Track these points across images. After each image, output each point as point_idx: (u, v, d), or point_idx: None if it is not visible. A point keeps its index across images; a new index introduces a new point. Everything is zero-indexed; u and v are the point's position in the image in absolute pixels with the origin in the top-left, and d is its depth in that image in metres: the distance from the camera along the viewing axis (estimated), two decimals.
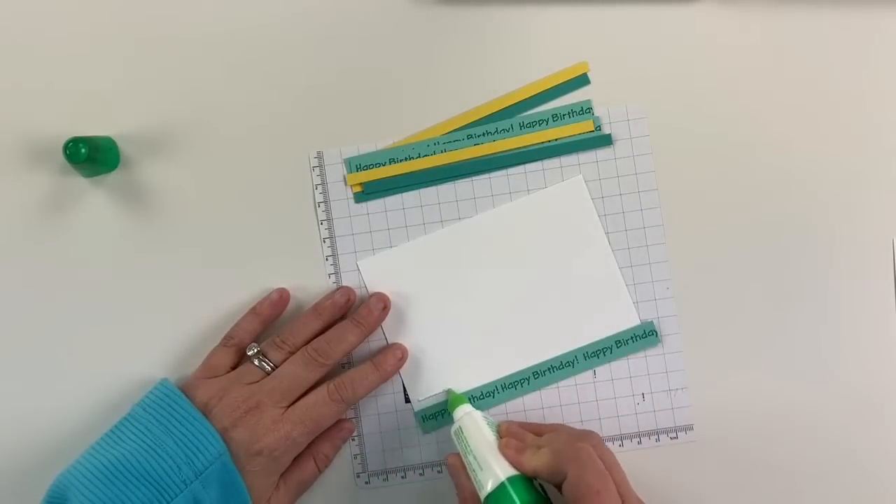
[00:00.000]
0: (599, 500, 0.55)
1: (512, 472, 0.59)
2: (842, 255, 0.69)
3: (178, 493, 0.59)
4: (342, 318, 0.68)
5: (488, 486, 0.58)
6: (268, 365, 0.64)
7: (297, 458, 0.65)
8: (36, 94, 0.68)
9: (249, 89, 0.68)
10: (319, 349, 0.65)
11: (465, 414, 0.64)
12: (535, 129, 0.69)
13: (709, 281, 0.69)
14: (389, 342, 0.69)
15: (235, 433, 0.61)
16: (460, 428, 0.63)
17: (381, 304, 0.67)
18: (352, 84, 0.69)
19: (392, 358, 0.67)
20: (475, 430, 0.62)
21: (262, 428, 0.62)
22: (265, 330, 0.68)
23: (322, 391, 0.64)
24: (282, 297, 0.68)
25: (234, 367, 0.66)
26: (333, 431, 0.68)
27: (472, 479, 0.60)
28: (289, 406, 0.63)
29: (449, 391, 0.68)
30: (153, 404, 0.63)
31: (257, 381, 0.64)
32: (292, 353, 0.65)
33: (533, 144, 0.69)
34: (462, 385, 0.69)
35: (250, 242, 0.69)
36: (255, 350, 0.65)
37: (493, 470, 0.59)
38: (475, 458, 0.60)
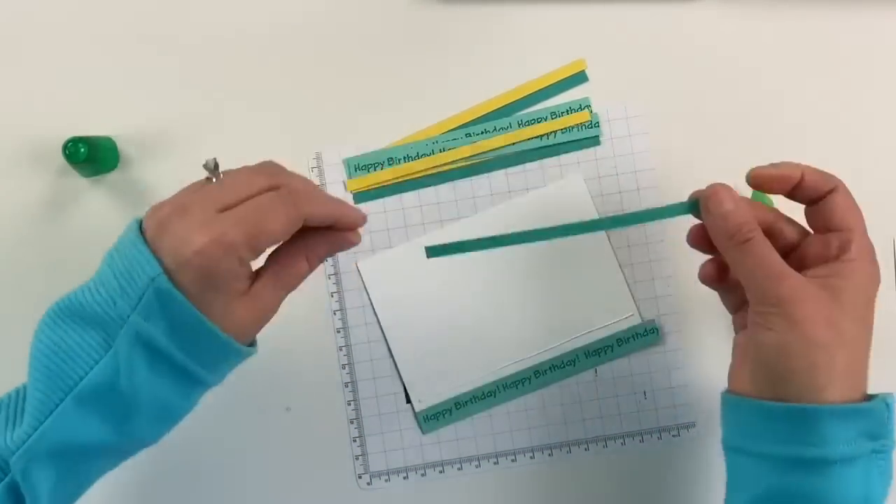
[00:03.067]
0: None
1: None
2: None
3: (118, 329, 0.50)
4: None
5: None
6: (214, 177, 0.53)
7: (286, 255, 0.55)
8: (36, 94, 0.68)
9: (249, 89, 0.69)
10: (273, 165, 0.54)
11: None
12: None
13: None
14: (390, 342, 0.68)
15: (162, 242, 0.50)
16: None
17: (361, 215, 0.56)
18: (351, 84, 0.69)
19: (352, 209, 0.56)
20: None
21: (189, 230, 0.50)
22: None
23: (263, 196, 0.52)
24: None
25: None
26: (332, 233, 0.55)
27: None
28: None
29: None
30: (117, 242, 0.53)
31: None
32: None
33: (531, 138, 0.69)
34: (463, 384, 0.69)
35: None
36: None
37: None
38: None
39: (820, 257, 0.55)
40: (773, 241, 0.56)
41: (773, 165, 0.57)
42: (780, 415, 0.52)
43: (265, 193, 0.52)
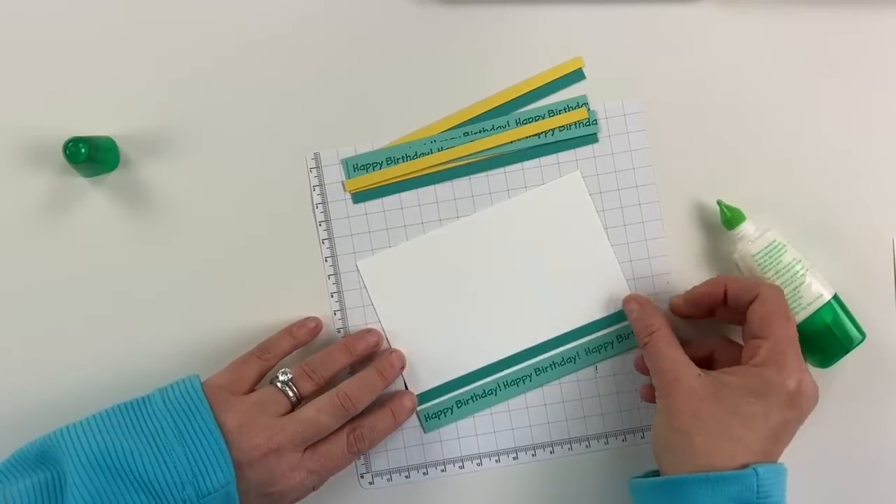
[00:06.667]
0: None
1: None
2: (842, 255, 0.69)
3: None
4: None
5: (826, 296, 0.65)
6: (291, 391, 0.64)
7: None
8: (36, 94, 0.68)
9: (249, 89, 0.69)
10: (351, 395, 0.64)
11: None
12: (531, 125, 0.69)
13: (708, 275, 0.69)
14: (391, 342, 0.69)
15: (250, 472, 0.60)
16: (783, 244, 0.66)
17: (401, 363, 0.68)
18: (349, 84, 0.69)
19: (403, 407, 0.67)
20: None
21: (279, 473, 0.61)
22: (294, 351, 0.68)
23: (341, 442, 0.64)
24: (317, 326, 0.68)
25: (258, 380, 0.65)
26: None
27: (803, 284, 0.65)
28: (307, 448, 0.63)
29: (720, 202, 0.67)
30: (174, 400, 0.61)
31: (281, 416, 0.63)
32: (319, 386, 0.65)
33: (529, 136, 0.69)
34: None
35: (249, 244, 0.69)
36: (287, 378, 0.64)
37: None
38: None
39: (736, 360, 0.63)
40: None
41: (700, 285, 0.65)
42: (658, 487, 0.60)
43: (339, 440, 0.64)
